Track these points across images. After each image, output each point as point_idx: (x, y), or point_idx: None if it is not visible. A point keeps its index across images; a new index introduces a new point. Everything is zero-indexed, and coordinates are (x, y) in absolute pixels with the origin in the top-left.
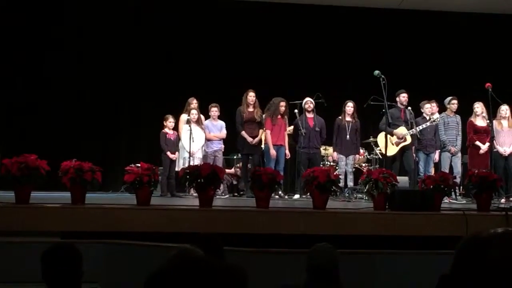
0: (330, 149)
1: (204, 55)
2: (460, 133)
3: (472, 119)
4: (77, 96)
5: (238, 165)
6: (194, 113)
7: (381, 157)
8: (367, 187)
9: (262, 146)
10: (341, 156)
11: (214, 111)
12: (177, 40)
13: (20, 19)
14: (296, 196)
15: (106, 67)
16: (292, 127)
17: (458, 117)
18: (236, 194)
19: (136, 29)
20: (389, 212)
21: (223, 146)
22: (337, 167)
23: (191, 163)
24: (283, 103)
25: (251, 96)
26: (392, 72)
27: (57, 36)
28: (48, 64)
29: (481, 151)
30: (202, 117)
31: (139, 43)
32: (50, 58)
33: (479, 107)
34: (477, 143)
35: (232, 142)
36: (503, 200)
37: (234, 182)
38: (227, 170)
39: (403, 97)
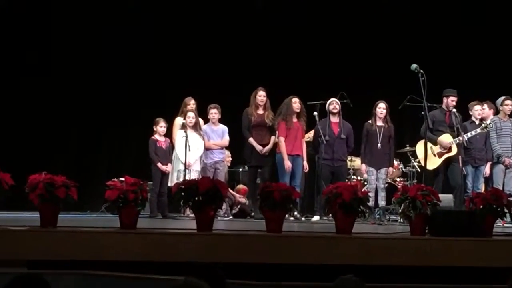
0: (357, 161)
1: (203, 46)
2: None
3: None
4: (49, 97)
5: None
6: (191, 116)
7: (419, 170)
8: (402, 207)
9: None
10: (371, 169)
11: (214, 113)
12: (169, 28)
13: None
14: (316, 218)
15: (82, 62)
16: (311, 133)
17: None
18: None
19: (119, 19)
20: (429, 238)
21: (225, 155)
22: (365, 183)
23: (187, 177)
24: (295, 99)
25: (261, 95)
26: (433, 66)
27: (30, 38)
28: (19, 65)
29: None
30: (201, 121)
31: (123, 33)
32: (22, 60)
33: None
34: None
35: (237, 151)
36: None
37: (243, 200)
38: (231, 191)
39: (451, 100)
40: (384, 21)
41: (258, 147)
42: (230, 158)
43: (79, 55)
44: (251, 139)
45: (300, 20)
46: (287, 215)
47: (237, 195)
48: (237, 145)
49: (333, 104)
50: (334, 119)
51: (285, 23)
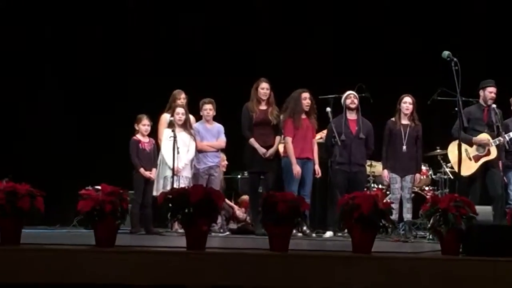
0: (378, 166)
1: (195, 28)
2: None
3: None
4: (9, 92)
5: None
6: (180, 113)
7: (452, 177)
8: (431, 222)
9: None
10: (395, 175)
11: (209, 109)
12: (155, 13)
13: None
14: (328, 234)
15: (53, 54)
16: (324, 132)
17: None
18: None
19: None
20: (464, 258)
21: (221, 159)
22: (388, 192)
23: (176, 185)
24: (305, 94)
25: (264, 88)
26: (469, 53)
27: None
28: None
29: None
30: (192, 118)
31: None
32: None
33: None
34: None
35: (235, 154)
36: None
37: (242, 216)
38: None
39: (489, 92)
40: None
41: (261, 150)
42: (226, 163)
43: (53, 47)
44: (252, 140)
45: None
46: (294, 231)
47: (236, 207)
48: (235, 147)
49: (351, 98)
50: (352, 116)
51: (293, 6)
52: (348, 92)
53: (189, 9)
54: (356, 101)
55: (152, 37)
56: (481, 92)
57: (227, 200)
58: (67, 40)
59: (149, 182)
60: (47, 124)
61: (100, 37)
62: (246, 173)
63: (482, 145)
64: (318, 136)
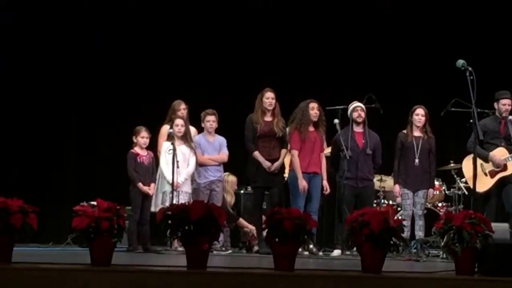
0: (389, 180)
1: (197, 37)
2: None
3: None
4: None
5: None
6: (179, 124)
7: (467, 193)
8: (445, 240)
9: (286, 174)
10: (406, 191)
11: (212, 121)
12: (154, 18)
13: None
14: (336, 253)
15: (45, 63)
16: (329, 147)
17: None
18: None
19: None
20: (480, 278)
21: (223, 174)
22: (399, 208)
23: (175, 201)
24: (313, 105)
25: (269, 97)
26: (485, 62)
27: None
28: None
29: None
30: (193, 129)
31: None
32: None
33: None
34: None
35: (238, 168)
36: None
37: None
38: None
39: (503, 105)
40: (423, 6)
41: (265, 163)
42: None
43: (44, 56)
44: (256, 153)
45: (316, 8)
46: (300, 249)
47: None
48: (237, 161)
49: (358, 111)
50: (358, 129)
51: (299, 12)
52: (354, 105)
53: (190, 17)
54: (363, 114)
55: (152, 46)
56: (495, 104)
57: (242, 221)
58: (65, 49)
59: (147, 198)
60: (41, 137)
61: (98, 46)
62: (249, 188)
63: (497, 162)
64: (326, 150)
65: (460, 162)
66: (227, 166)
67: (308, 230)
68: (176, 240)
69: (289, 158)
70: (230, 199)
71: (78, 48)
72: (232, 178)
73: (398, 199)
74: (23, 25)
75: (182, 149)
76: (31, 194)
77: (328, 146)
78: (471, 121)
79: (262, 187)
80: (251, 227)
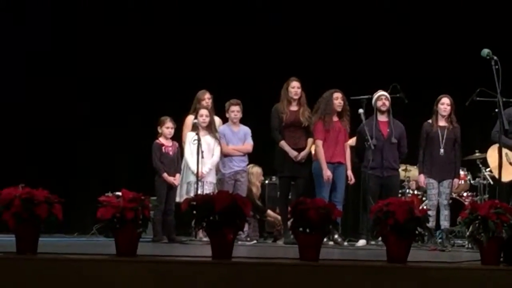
0: (414, 170)
1: (222, 27)
2: None
3: None
4: (27, 97)
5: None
6: (204, 114)
7: (492, 182)
8: (470, 229)
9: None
10: (432, 181)
11: (236, 111)
12: (178, 12)
13: None
14: (361, 243)
15: (64, 55)
16: (354, 137)
17: None
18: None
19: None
20: (505, 268)
21: (248, 166)
22: (424, 198)
23: (200, 191)
24: (337, 94)
25: (295, 87)
26: (510, 51)
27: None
28: None
29: None
30: (218, 120)
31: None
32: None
33: None
34: None
35: (263, 158)
36: None
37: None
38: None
39: None
40: None
41: (292, 153)
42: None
43: (63, 48)
44: (282, 143)
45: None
46: (325, 239)
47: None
48: (263, 151)
49: (382, 99)
50: (383, 118)
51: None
52: (379, 93)
53: (214, 8)
54: (387, 103)
55: (176, 36)
56: None
57: (269, 212)
58: (88, 38)
59: (172, 188)
60: (67, 129)
61: (124, 35)
62: (274, 178)
63: None
64: (350, 140)
65: (485, 151)
66: (252, 157)
67: (333, 220)
68: (201, 230)
69: (313, 148)
70: (256, 191)
71: (104, 35)
72: (257, 170)
73: (423, 189)
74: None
75: (207, 139)
76: (56, 185)
77: (352, 136)
78: (496, 110)
79: (288, 177)
80: (277, 217)
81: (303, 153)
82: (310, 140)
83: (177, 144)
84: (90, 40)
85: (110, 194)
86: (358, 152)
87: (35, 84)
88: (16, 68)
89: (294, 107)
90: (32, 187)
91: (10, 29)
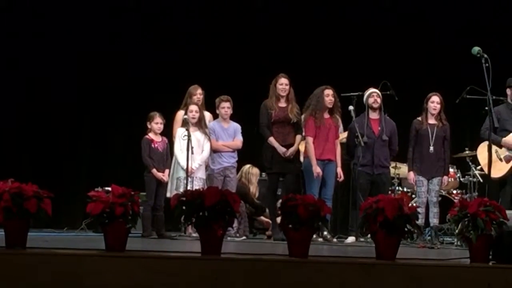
0: (403, 168)
1: (211, 23)
2: None
3: None
4: (17, 93)
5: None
6: (193, 110)
7: (482, 180)
8: (459, 227)
9: (301, 160)
10: (421, 178)
11: (227, 107)
12: (168, 5)
13: None
14: (350, 239)
15: (55, 51)
16: (345, 133)
17: None
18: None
19: None
20: (494, 266)
21: (247, 167)
22: (414, 195)
23: (189, 187)
24: (328, 91)
25: (283, 83)
26: (500, 50)
27: None
28: None
29: None
30: (208, 115)
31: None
32: None
33: None
34: None
35: (252, 154)
36: None
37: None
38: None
39: None
40: None
41: (281, 149)
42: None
43: (53, 45)
44: (271, 139)
45: None
46: (314, 236)
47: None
48: (252, 147)
49: (374, 96)
50: (374, 116)
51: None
52: (370, 90)
53: (205, 4)
54: (379, 100)
55: (168, 31)
56: (508, 91)
57: (263, 218)
58: (79, 37)
59: (161, 184)
60: (55, 123)
61: (114, 30)
62: (264, 175)
63: (510, 146)
64: (341, 136)
65: (475, 149)
66: (241, 153)
67: (323, 216)
68: (190, 226)
69: (302, 146)
70: (255, 190)
71: (94, 31)
72: (256, 171)
73: (412, 186)
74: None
75: (197, 135)
76: (46, 180)
77: (344, 132)
78: (486, 108)
79: (277, 173)
80: (269, 222)
81: (292, 150)
82: (298, 137)
83: (166, 140)
84: (79, 36)
85: (99, 189)
86: (348, 149)
87: (25, 80)
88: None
89: (282, 104)
90: (22, 182)
91: None
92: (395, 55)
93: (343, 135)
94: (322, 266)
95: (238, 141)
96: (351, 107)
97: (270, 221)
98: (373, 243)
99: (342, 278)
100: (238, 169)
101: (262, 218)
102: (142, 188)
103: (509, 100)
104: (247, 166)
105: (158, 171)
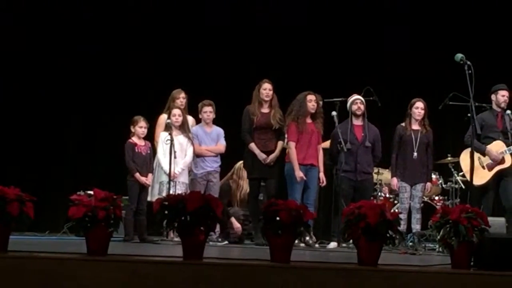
0: (386, 173)
1: (195, 27)
2: None
3: None
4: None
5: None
6: (176, 114)
7: (464, 186)
8: (441, 233)
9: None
10: (404, 184)
11: (209, 112)
12: (154, 12)
13: None
14: (333, 245)
15: (40, 51)
16: (329, 140)
17: None
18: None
19: None
20: (475, 272)
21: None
22: (396, 201)
23: (172, 191)
24: (311, 97)
25: (266, 89)
26: (483, 57)
27: None
28: None
29: None
30: (191, 119)
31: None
32: None
33: None
34: None
35: (234, 159)
36: None
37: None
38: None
39: (502, 96)
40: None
41: (261, 155)
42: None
43: (40, 46)
44: (252, 145)
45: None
46: (296, 241)
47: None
48: (235, 152)
49: (357, 103)
50: (358, 122)
51: (300, 5)
52: (354, 97)
53: (188, 8)
54: (362, 107)
55: (151, 35)
56: (493, 97)
57: (234, 221)
58: (64, 39)
59: (144, 188)
60: (38, 127)
61: (98, 34)
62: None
63: (493, 156)
64: (324, 143)
65: (458, 155)
66: (224, 157)
67: (305, 222)
68: (172, 230)
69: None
70: (246, 186)
71: (79, 33)
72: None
73: (395, 192)
74: (22, 23)
75: (180, 139)
76: (28, 183)
77: (325, 138)
78: (469, 115)
79: (258, 179)
80: (239, 226)
81: (272, 156)
82: (280, 143)
83: (150, 144)
84: (66, 38)
85: (82, 193)
86: (332, 154)
87: (9, 82)
88: None
89: (265, 109)
90: (4, 186)
91: None
92: (378, 60)
93: (327, 142)
94: (304, 272)
95: (221, 145)
96: (334, 113)
97: (238, 226)
98: (355, 249)
99: (324, 284)
100: (222, 174)
101: (233, 219)
102: (125, 192)
103: (494, 106)
104: (239, 162)
105: (141, 175)
